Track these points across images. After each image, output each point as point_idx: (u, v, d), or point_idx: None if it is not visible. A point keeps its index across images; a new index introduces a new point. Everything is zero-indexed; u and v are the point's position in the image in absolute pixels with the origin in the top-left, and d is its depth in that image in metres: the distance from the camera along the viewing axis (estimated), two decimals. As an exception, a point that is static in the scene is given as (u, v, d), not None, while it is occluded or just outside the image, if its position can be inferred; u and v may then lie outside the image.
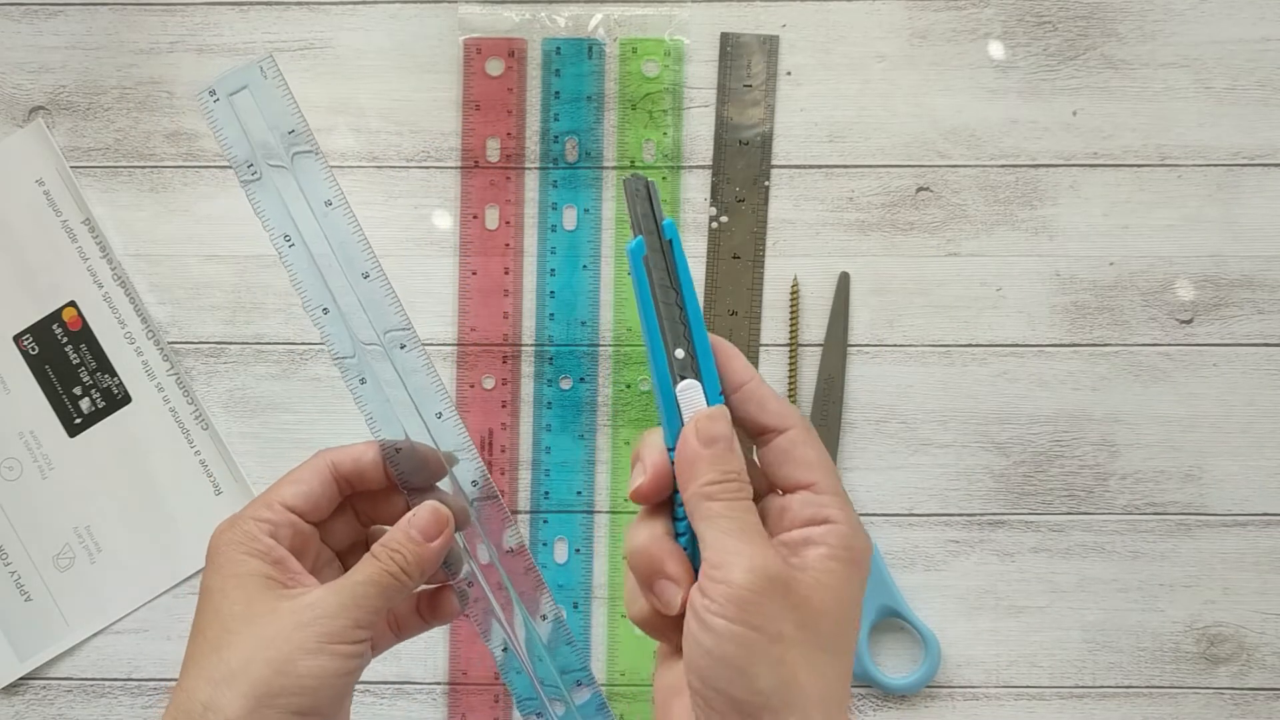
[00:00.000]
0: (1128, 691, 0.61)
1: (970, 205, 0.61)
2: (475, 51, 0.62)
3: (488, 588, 0.45)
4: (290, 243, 0.42)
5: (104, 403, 0.62)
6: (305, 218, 0.43)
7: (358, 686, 0.61)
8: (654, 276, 0.37)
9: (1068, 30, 0.61)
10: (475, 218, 0.62)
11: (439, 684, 0.61)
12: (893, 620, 0.61)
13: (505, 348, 0.62)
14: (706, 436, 0.37)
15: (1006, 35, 0.62)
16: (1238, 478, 0.61)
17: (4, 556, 0.62)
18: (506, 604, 0.45)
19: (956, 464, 0.61)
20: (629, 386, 0.61)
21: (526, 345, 0.62)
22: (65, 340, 0.62)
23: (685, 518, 0.37)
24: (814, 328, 0.62)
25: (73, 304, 0.62)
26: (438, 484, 0.44)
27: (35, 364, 0.62)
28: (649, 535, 0.38)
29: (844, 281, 0.61)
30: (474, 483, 0.44)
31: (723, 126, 0.62)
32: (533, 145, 0.62)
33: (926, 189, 0.61)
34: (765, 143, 0.62)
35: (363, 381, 0.43)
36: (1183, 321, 0.61)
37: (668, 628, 0.39)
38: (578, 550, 0.61)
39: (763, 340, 0.62)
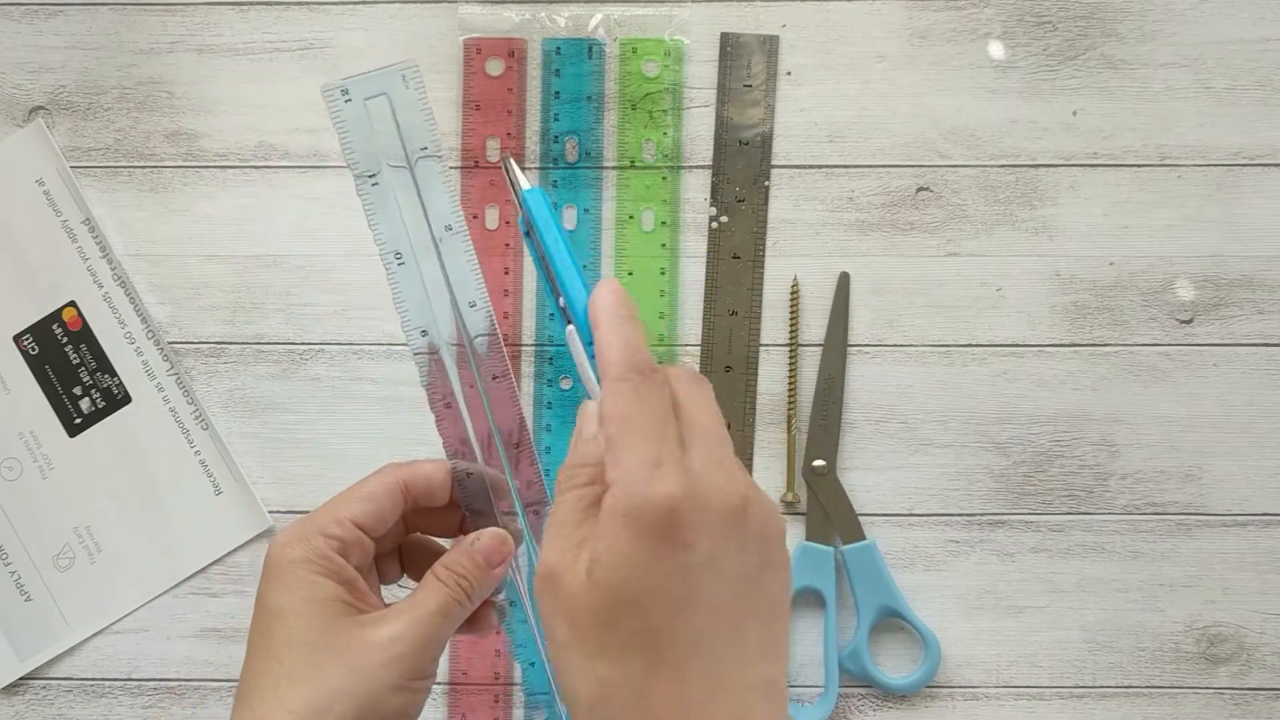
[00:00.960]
0: (1128, 691, 0.61)
1: (970, 205, 0.61)
2: (475, 51, 0.62)
3: (527, 593, 0.45)
4: (400, 261, 0.41)
5: (104, 403, 0.62)
6: (420, 231, 0.41)
7: (358, 686, 0.61)
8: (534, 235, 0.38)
9: (1068, 30, 0.61)
10: (475, 218, 0.62)
11: (439, 684, 0.61)
12: (893, 620, 0.61)
13: (505, 348, 0.62)
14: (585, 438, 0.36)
15: (1006, 35, 0.62)
16: (1238, 478, 0.61)
17: (4, 556, 0.62)
18: None
19: (956, 464, 0.61)
20: (629, 386, 0.61)
21: (526, 345, 0.62)
22: (65, 340, 0.62)
23: None
24: (814, 328, 0.62)
25: (73, 304, 0.62)
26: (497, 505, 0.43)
27: (35, 364, 0.62)
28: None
29: (844, 281, 0.61)
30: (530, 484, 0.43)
31: (723, 126, 0.62)
32: (533, 145, 0.62)
33: (926, 189, 0.61)
34: (765, 143, 0.62)
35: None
36: (1183, 321, 0.61)
37: None
38: (578, 550, 0.61)
39: (763, 340, 0.62)
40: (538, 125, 0.62)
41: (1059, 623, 0.61)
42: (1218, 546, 0.61)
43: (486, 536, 0.42)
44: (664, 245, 0.61)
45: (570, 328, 0.37)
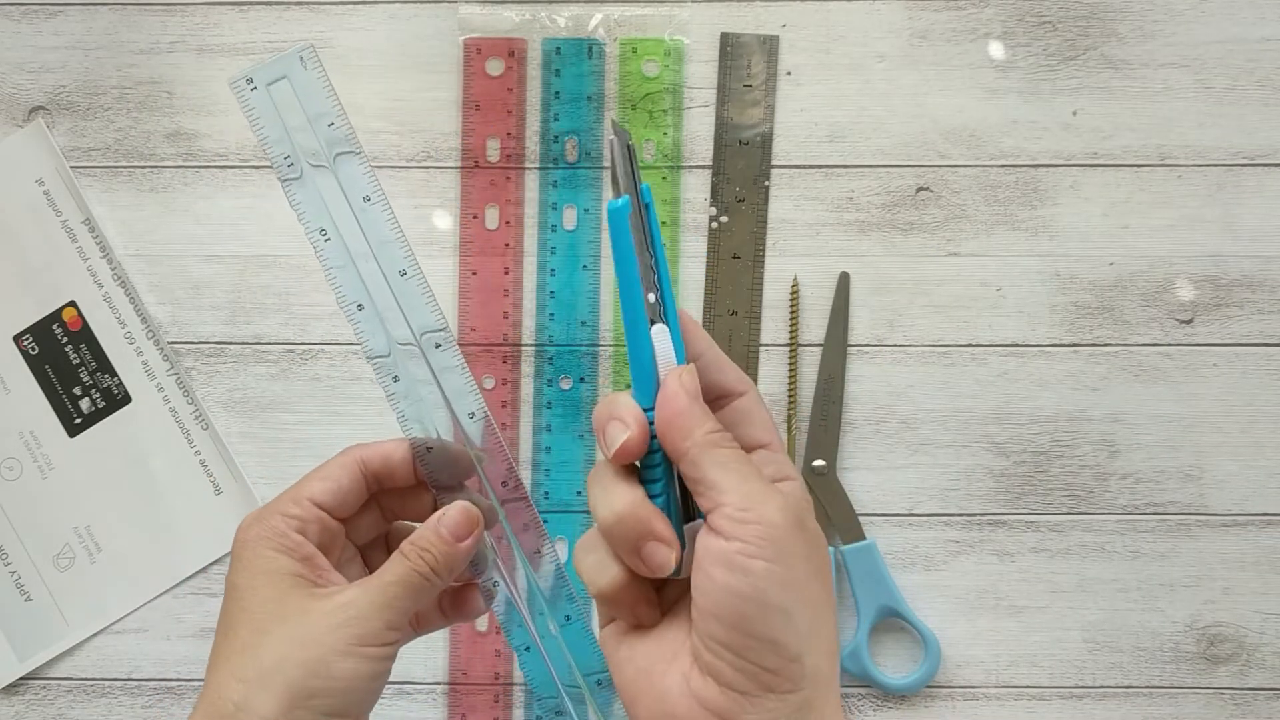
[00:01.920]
0: (1128, 691, 0.61)
1: (970, 205, 0.61)
2: (475, 51, 0.62)
3: (511, 585, 0.45)
4: (326, 237, 0.42)
5: (104, 403, 0.62)
6: (343, 213, 0.42)
7: (358, 686, 0.61)
8: (636, 231, 0.38)
9: (1068, 30, 0.61)
10: (475, 218, 0.62)
11: (439, 684, 0.61)
12: (893, 620, 0.61)
13: (505, 348, 0.62)
14: (692, 390, 0.37)
15: (1006, 35, 0.62)
16: (1238, 478, 0.61)
17: (4, 556, 0.62)
18: (531, 602, 0.45)
19: (956, 464, 0.61)
20: (629, 387, 0.61)
21: (526, 345, 0.62)
22: (65, 340, 0.62)
23: (658, 479, 0.37)
24: (814, 328, 0.62)
25: (73, 304, 0.62)
26: (466, 484, 0.43)
27: (35, 364, 0.62)
28: (631, 498, 0.37)
29: (844, 281, 0.61)
30: (504, 483, 0.43)
31: (723, 126, 0.62)
32: (533, 145, 0.62)
33: (926, 189, 0.61)
34: (765, 143, 0.62)
35: (396, 380, 0.42)
36: (1183, 321, 0.61)
37: (635, 600, 0.38)
38: (578, 550, 0.61)
39: (763, 340, 0.62)
40: (538, 125, 0.62)
41: (1059, 623, 0.61)
42: (1218, 546, 0.61)
43: (453, 510, 0.42)
44: (664, 245, 0.61)
45: (662, 327, 0.38)
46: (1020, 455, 0.61)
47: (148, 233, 0.62)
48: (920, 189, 0.61)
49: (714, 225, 0.62)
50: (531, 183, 0.62)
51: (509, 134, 0.62)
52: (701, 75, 0.62)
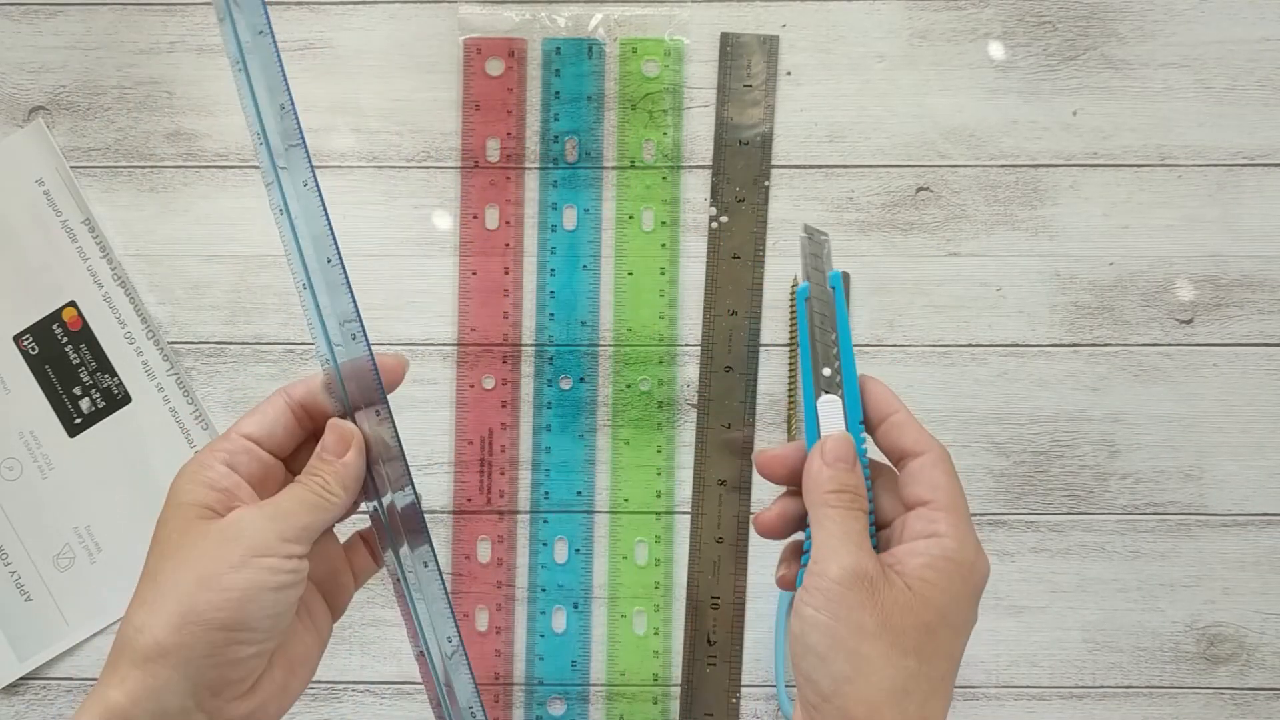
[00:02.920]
0: (1128, 691, 0.61)
1: (970, 205, 0.61)
2: (475, 51, 0.62)
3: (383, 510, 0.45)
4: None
5: (104, 403, 0.62)
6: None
7: (357, 685, 0.62)
8: (814, 314, 0.44)
9: (1068, 30, 0.62)
10: (475, 218, 0.62)
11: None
12: (893, 620, 0.61)
13: (505, 348, 0.62)
14: (831, 456, 0.41)
15: (1006, 35, 0.62)
16: (1238, 478, 0.61)
17: (4, 556, 0.62)
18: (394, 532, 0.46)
19: (956, 464, 0.61)
20: (629, 386, 0.61)
21: (526, 345, 0.62)
22: (65, 340, 0.62)
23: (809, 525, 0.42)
24: (814, 328, 0.62)
25: (73, 304, 0.62)
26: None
27: (35, 364, 0.62)
28: (780, 510, 0.44)
29: (844, 281, 0.61)
30: (376, 411, 0.45)
31: (723, 126, 0.62)
32: (533, 145, 0.62)
33: (926, 189, 0.62)
34: (765, 143, 0.62)
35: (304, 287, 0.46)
36: (1183, 321, 0.61)
37: None
38: (578, 550, 0.61)
39: (763, 340, 0.62)
40: (538, 125, 0.62)
41: (1059, 623, 0.61)
42: (1218, 546, 0.61)
43: (328, 430, 0.44)
44: (664, 245, 0.62)
45: (832, 397, 0.44)
46: (1020, 455, 0.61)
47: (148, 233, 0.62)
48: (920, 189, 0.62)
49: (714, 225, 0.62)
50: (531, 183, 0.62)
51: (509, 134, 0.62)
52: (701, 75, 0.62)
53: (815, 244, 0.45)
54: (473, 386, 0.62)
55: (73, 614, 0.62)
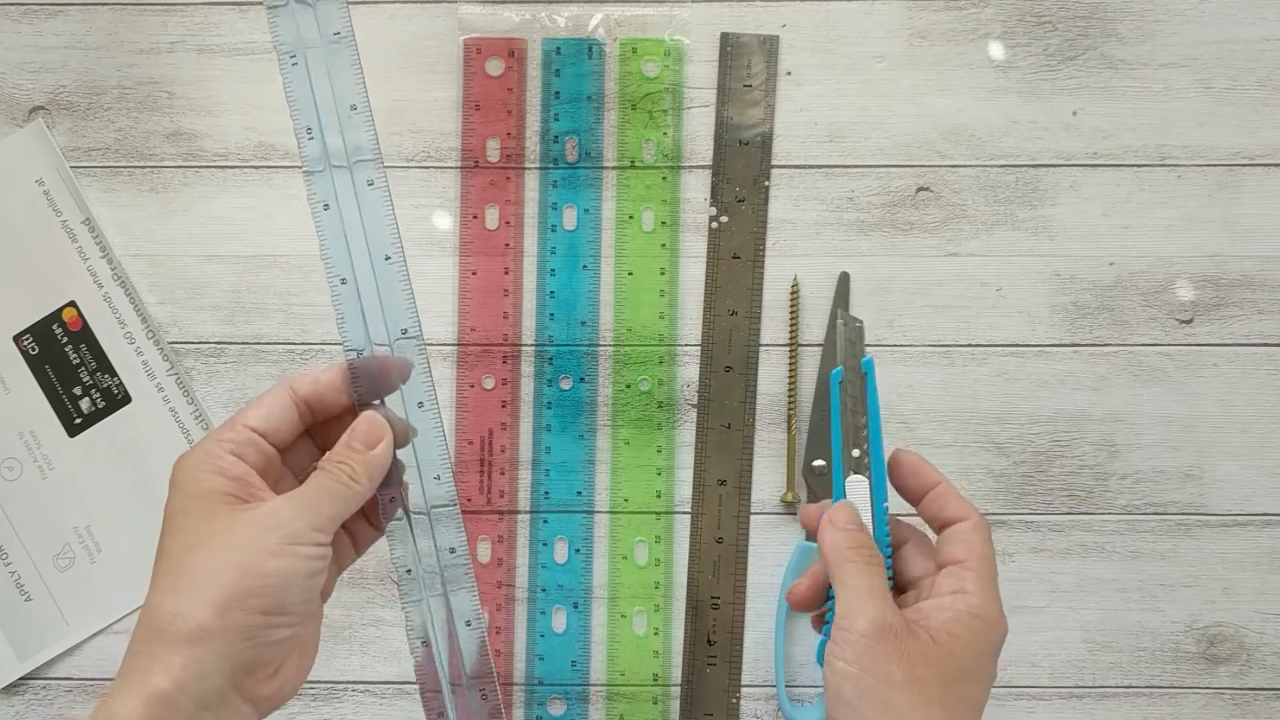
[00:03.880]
0: (1128, 691, 0.61)
1: (970, 205, 0.61)
2: (475, 51, 0.62)
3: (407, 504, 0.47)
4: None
5: (104, 403, 0.62)
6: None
7: (357, 685, 0.62)
8: (847, 397, 0.47)
9: (1068, 30, 0.62)
10: (475, 218, 0.62)
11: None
12: (893, 620, 0.61)
13: (505, 348, 0.62)
14: (841, 521, 0.45)
15: (1006, 35, 0.62)
16: (1238, 478, 0.61)
17: (4, 556, 0.62)
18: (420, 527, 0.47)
19: (956, 464, 0.61)
20: (629, 386, 0.61)
21: (526, 345, 0.62)
22: (65, 340, 0.62)
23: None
24: (814, 328, 0.62)
25: (73, 304, 0.62)
26: (388, 406, 0.46)
27: (35, 364, 0.62)
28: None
29: (844, 281, 0.61)
30: (420, 404, 0.46)
31: (723, 126, 0.62)
32: (533, 145, 0.62)
33: (926, 189, 0.62)
34: (765, 143, 0.62)
35: (343, 282, 0.46)
36: (1183, 321, 0.61)
37: None
38: (578, 550, 0.61)
39: (763, 340, 0.62)
40: (538, 125, 0.62)
41: (1059, 623, 0.61)
42: (1218, 546, 0.61)
43: (361, 422, 0.45)
44: (664, 245, 0.62)
45: (860, 478, 0.47)
46: (1020, 455, 0.61)
47: (148, 233, 0.62)
48: (920, 189, 0.62)
49: (714, 225, 0.62)
50: (531, 183, 0.62)
51: (509, 134, 0.62)
52: (701, 75, 0.62)
53: (850, 330, 0.48)
54: (473, 386, 0.62)
55: (73, 614, 0.62)
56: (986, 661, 0.43)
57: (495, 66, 0.62)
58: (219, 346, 0.62)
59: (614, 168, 0.62)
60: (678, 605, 0.61)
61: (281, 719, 0.61)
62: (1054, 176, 0.61)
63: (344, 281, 0.46)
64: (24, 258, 0.62)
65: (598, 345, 0.62)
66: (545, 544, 0.61)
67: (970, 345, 0.61)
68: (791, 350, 0.62)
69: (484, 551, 0.61)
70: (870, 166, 0.62)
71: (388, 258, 0.47)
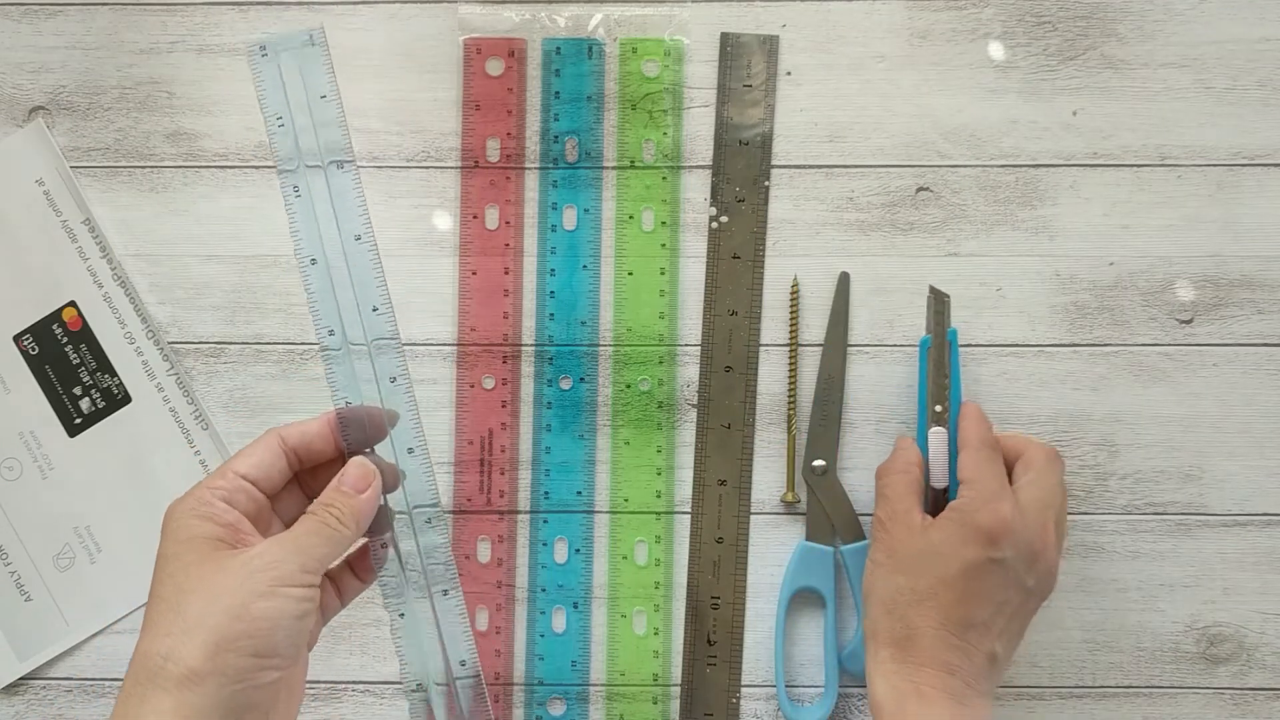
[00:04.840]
0: (1128, 691, 0.61)
1: (970, 205, 0.61)
2: (475, 51, 0.62)
3: (401, 554, 0.49)
4: (298, 194, 0.49)
5: (104, 403, 0.62)
6: (317, 178, 0.49)
7: (357, 685, 0.62)
8: (933, 360, 0.56)
9: (1068, 30, 0.62)
10: (475, 218, 0.62)
11: (438, 684, 0.61)
12: (893, 620, 0.61)
13: (505, 348, 0.62)
14: (902, 462, 0.56)
15: (1006, 35, 0.62)
16: (1238, 478, 0.61)
17: (4, 556, 0.62)
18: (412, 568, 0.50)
19: (956, 464, 0.61)
20: (629, 386, 0.61)
21: (526, 345, 0.62)
22: (65, 340, 0.62)
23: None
24: (814, 328, 0.62)
25: (73, 304, 0.62)
26: (377, 450, 0.49)
27: (35, 364, 0.62)
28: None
29: (844, 281, 0.61)
30: (410, 450, 0.49)
31: (723, 126, 0.62)
32: (533, 145, 0.62)
33: (926, 189, 0.62)
34: (765, 143, 0.62)
35: (330, 334, 0.49)
36: (1183, 321, 0.61)
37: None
38: (578, 550, 0.61)
39: (763, 340, 0.62)
40: (538, 125, 0.62)
41: (1059, 623, 0.61)
42: (1218, 546, 0.61)
43: (350, 468, 0.46)
44: (664, 245, 0.62)
45: (940, 429, 0.56)
46: (1020, 455, 0.61)
47: (148, 233, 0.62)
48: (920, 189, 0.62)
49: (714, 225, 0.62)
50: (531, 183, 0.62)
51: (509, 134, 0.62)
52: (701, 75, 0.62)
53: (939, 303, 0.57)
54: (473, 386, 0.62)
55: (73, 614, 0.62)
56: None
57: (495, 66, 0.62)
58: (219, 346, 0.62)
59: (614, 168, 0.62)
60: (678, 605, 0.61)
61: (281, 719, 0.61)
62: (1054, 176, 0.61)
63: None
64: (24, 258, 0.62)
65: (598, 345, 0.62)
66: (545, 544, 0.61)
67: (970, 345, 0.61)
68: (791, 350, 0.62)
69: (484, 551, 0.61)
70: (870, 166, 0.62)
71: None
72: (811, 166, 0.62)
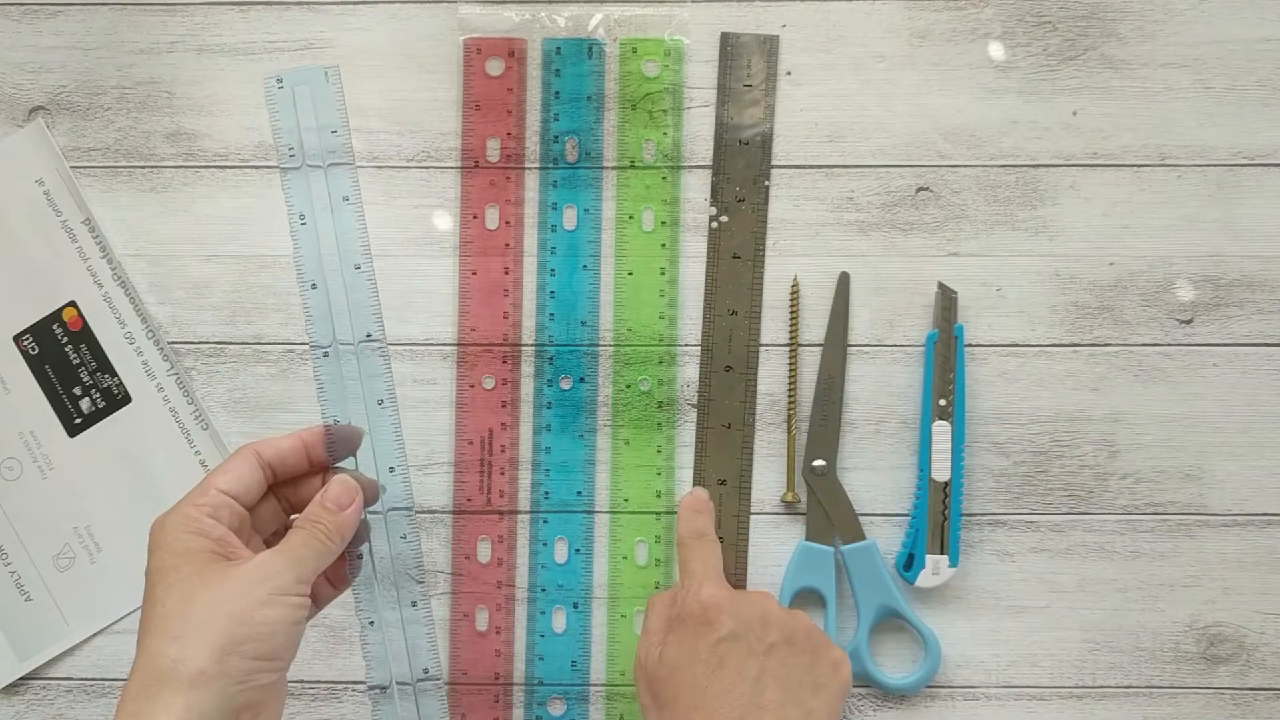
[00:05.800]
0: (1128, 691, 0.61)
1: (970, 205, 0.61)
2: (475, 51, 0.62)
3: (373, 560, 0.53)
4: (304, 223, 0.52)
5: (104, 403, 0.62)
6: (322, 205, 0.52)
7: (358, 685, 0.62)
8: (939, 355, 0.58)
9: (1068, 30, 0.62)
10: (475, 218, 0.62)
11: (439, 683, 0.61)
12: (893, 620, 0.61)
13: (505, 348, 0.62)
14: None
15: (1006, 35, 0.62)
16: (1238, 478, 0.61)
17: (4, 556, 0.62)
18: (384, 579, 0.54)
19: (956, 464, 0.61)
20: (629, 386, 0.61)
21: (526, 345, 0.62)
22: (65, 340, 0.62)
23: None
24: (814, 328, 0.62)
25: (73, 304, 0.62)
26: (361, 467, 0.52)
27: (35, 364, 0.62)
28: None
29: (844, 281, 0.61)
30: (390, 468, 0.53)
31: (723, 126, 0.62)
32: (533, 145, 0.62)
33: (926, 189, 0.62)
34: (765, 143, 0.62)
35: (325, 355, 0.52)
36: (1183, 321, 0.61)
37: None
38: (578, 550, 0.61)
39: (763, 340, 0.62)
40: (538, 125, 0.62)
41: (1059, 623, 0.61)
42: (1218, 546, 0.61)
43: (333, 484, 0.50)
44: (664, 245, 0.62)
45: (944, 423, 0.59)
46: (1020, 455, 0.61)
47: (148, 233, 0.62)
48: (920, 189, 0.62)
49: (714, 225, 0.62)
50: (531, 183, 0.62)
51: (509, 134, 0.62)
52: (701, 75, 0.62)
53: (947, 299, 0.59)
54: (473, 386, 0.62)
55: (73, 614, 0.62)
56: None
57: (495, 66, 0.62)
58: (219, 346, 0.62)
59: (614, 168, 0.62)
60: (678, 605, 0.61)
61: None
62: (1054, 176, 0.61)
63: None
64: (24, 258, 0.62)
65: (598, 345, 0.62)
66: (545, 544, 0.61)
67: (970, 345, 0.61)
68: (791, 350, 0.62)
69: (484, 551, 0.61)
70: (870, 166, 0.62)
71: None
72: (811, 166, 0.62)
